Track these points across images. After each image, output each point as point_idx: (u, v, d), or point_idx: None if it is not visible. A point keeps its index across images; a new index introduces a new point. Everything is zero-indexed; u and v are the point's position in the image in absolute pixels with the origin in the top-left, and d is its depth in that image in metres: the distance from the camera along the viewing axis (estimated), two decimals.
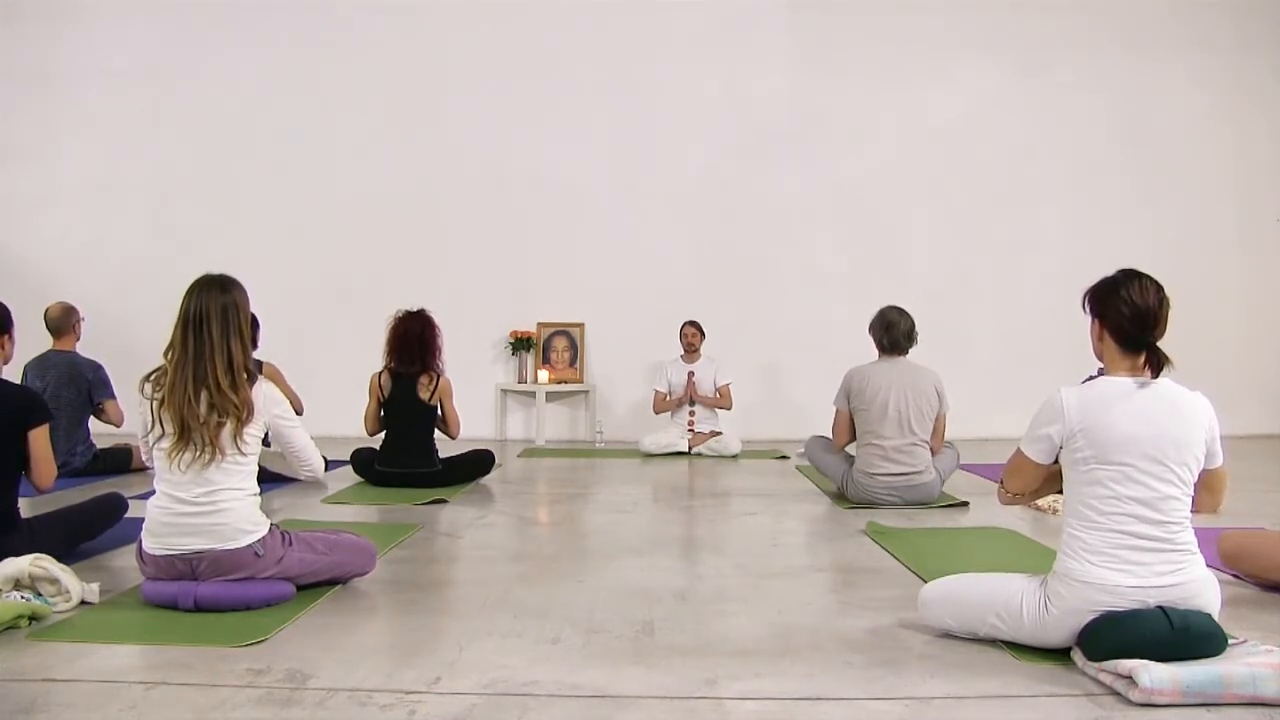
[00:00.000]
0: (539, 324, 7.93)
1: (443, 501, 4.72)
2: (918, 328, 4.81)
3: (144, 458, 2.91)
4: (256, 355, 4.00)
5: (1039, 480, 2.51)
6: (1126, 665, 2.11)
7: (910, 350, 4.79)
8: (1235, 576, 3.12)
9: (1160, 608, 2.20)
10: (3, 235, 7.91)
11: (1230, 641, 2.26)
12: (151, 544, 2.77)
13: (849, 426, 4.76)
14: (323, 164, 7.86)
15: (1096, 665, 2.20)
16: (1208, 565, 2.35)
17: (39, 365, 5.27)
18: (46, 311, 5.38)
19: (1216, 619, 2.27)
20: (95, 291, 6.93)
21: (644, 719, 2.04)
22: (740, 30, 7.96)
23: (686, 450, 6.76)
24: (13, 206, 7.93)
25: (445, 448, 5.31)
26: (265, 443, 2.96)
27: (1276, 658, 2.13)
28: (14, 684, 2.18)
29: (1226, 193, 8.04)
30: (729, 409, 7.03)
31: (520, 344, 7.81)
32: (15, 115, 7.97)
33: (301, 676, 2.23)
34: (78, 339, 5.42)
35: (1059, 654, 2.34)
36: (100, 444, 5.53)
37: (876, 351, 4.80)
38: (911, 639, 2.54)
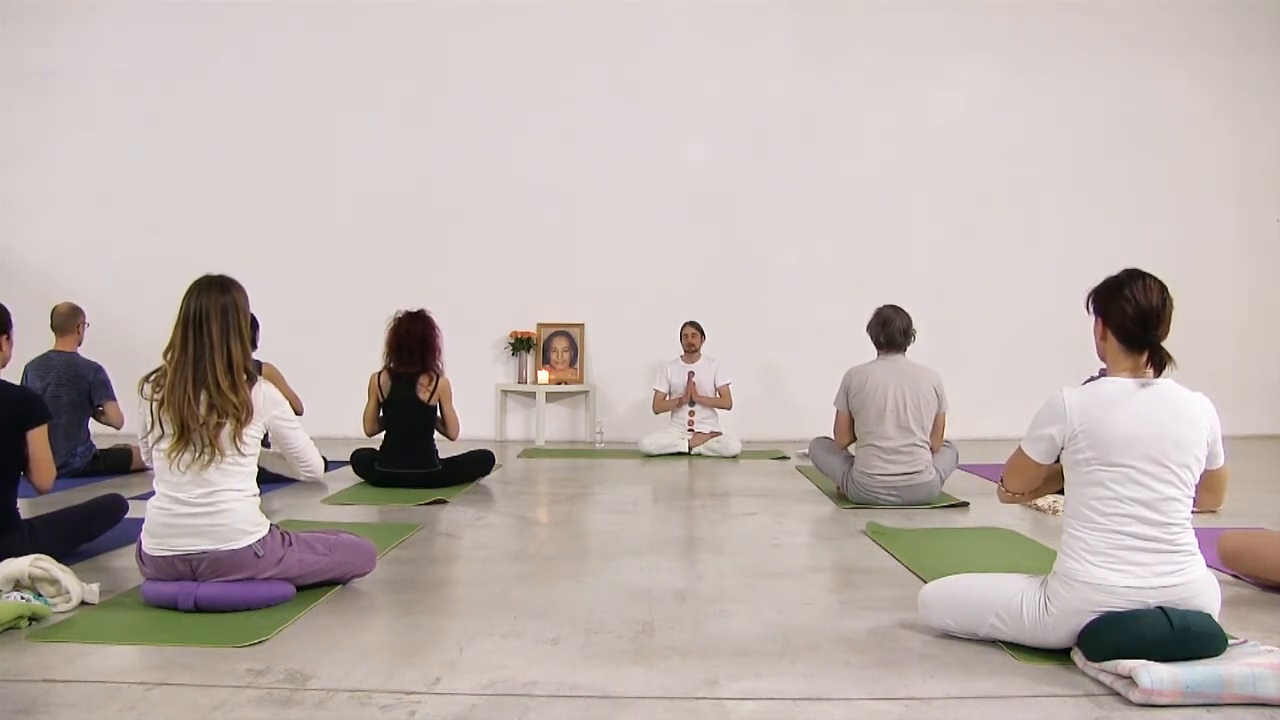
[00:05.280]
0: (539, 324, 7.93)
1: (443, 502, 4.72)
2: (915, 326, 4.81)
3: (143, 458, 2.91)
4: (256, 356, 4.00)
5: (1039, 480, 2.51)
6: (1126, 665, 2.11)
7: (908, 348, 4.79)
8: (1235, 576, 3.12)
9: (1160, 608, 2.20)
10: (2, 236, 7.91)
11: (1230, 641, 2.26)
12: (151, 545, 2.77)
13: (849, 426, 4.76)
14: (322, 164, 7.86)
15: (1096, 665, 2.20)
16: (1208, 565, 2.35)
17: (39, 365, 5.27)
18: (54, 309, 5.38)
19: (1216, 619, 2.27)
20: (95, 292, 6.91)
21: (644, 719, 2.04)
22: (741, 30, 7.96)
23: (686, 450, 6.76)
24: (12, 207, 7.93)
25: (445, 448, 5.31)
26: (265, 443, 2.96)
27: (1276, 658, 2.13)
28: (14, 684, 2.18)
29: (1226, 193, 8.04)
30: (729, 409, 7.03)
31: (520, 344, 7.81)
32: (15, 115, 7.97)
33: (301, 677, 2.23)
34: (80, 341, 5.42)
35: (1059, 654, 2.34)
36: (100, 445, 5.54)
37: (875, 351, 4.81)
38: (911, 639, 2.54)
